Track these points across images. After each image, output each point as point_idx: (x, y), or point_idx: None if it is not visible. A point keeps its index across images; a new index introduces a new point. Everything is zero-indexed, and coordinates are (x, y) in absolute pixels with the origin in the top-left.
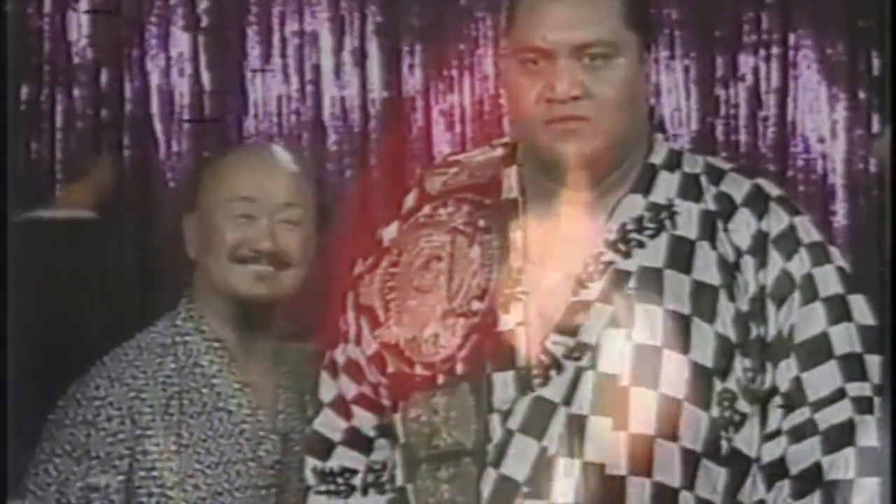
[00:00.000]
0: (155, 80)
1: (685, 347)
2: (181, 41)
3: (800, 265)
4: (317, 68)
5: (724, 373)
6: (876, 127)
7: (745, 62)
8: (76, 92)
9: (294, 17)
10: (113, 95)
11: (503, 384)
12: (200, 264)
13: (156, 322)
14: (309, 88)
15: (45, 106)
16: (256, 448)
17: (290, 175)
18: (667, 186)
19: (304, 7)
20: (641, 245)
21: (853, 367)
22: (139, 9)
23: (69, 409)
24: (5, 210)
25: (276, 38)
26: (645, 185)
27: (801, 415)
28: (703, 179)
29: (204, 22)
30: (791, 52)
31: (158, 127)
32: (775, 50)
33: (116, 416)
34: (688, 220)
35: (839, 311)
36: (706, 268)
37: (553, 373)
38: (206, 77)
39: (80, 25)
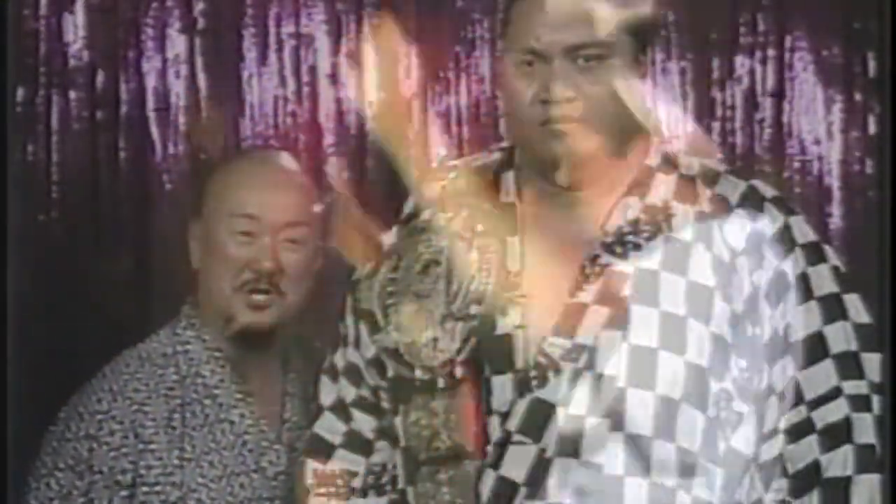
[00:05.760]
0: (151, 82)
1: (681, 348)
2: (177, 43)
3: (794, 265)
4: (313, 70)
5: (720, 373)
6: (872, 128)
7: (742, 64)
8: (72, 94)
9: (290, 20)
10: (109, 97)
11: (502, 386)
12: (203, 276)
13: (158, 330)
14: (305, 90)
15: (41, 108)
16: (260, 459)
17: (297, 190)
18: (663, 189)
19: (300, 9)
20: (638, 247)
21: (849, 365)
22: (135, 11)
23: (71, 423)
24: (4, 212)
25: (272, 40)
26: (641, 187)
27: (797, 414)
28: (699, 181)
29: (200, 24)
30: (787, 55)
31: (155, 129)
32: (771, 52)
33: (119, 431)
34: (683, 221)
35: (834, 309)
36: (701, 269)
37: (551, 374)
38: (202, 79)
39: (76, 27)
